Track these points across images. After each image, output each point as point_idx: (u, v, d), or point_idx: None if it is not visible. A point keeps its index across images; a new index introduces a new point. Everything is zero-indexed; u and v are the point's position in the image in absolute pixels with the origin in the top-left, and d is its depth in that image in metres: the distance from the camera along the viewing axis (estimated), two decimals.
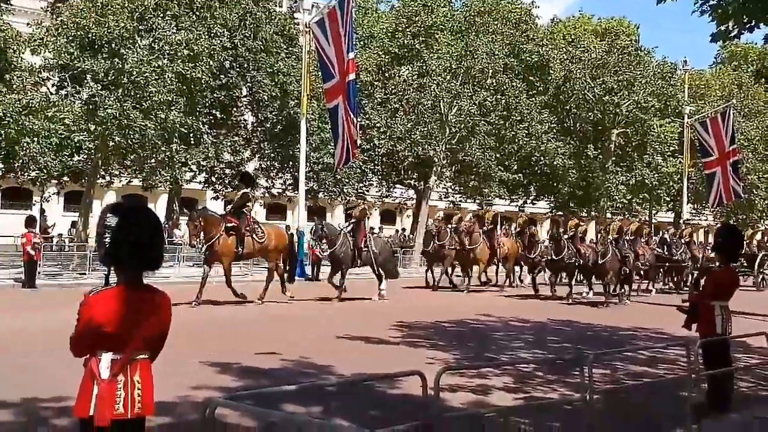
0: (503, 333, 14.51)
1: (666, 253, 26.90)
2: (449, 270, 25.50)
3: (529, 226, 25.63)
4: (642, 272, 25.34)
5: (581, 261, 21.77)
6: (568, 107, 45.12)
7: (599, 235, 21.84)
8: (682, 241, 27.99)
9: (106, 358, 3.92)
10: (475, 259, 24.77)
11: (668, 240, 27.91)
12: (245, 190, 19.24)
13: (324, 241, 19.82)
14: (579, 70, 43.79)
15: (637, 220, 30.96)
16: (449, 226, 25.68)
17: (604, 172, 45.07)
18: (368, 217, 23.05)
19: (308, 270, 28.11)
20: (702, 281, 9.09)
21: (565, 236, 22.87)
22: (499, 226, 24.71)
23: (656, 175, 46.46)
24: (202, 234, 17.73)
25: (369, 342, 12.50)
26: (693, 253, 27.72)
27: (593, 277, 22.60)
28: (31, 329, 12.84)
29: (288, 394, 5.90)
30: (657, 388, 8.62)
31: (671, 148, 46.92)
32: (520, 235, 25.72)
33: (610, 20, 55.51)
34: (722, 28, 9.39)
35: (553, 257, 22.08)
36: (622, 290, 23.12)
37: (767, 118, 53.21)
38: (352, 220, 21.13)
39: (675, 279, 28.22)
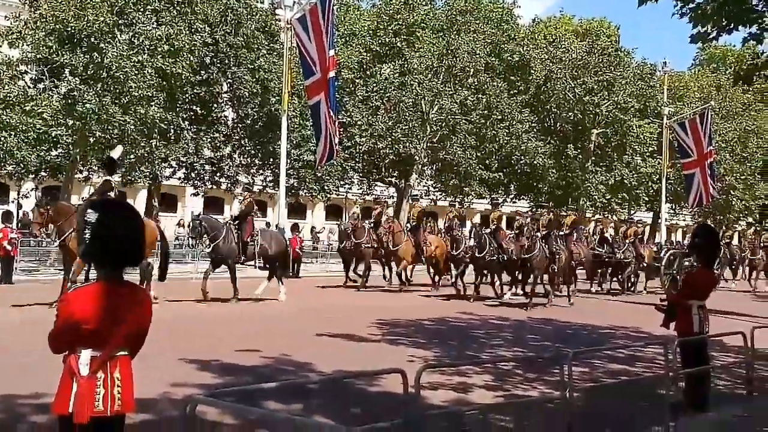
0: (483, 331, 14.56)
1: (607, 251, 25.29)
2: (364, 269, 23.69)
3: (453, 221, 23.02)
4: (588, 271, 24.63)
5: (505, 257, 20.16)
6: (548, 107, 45.39)
7: (525, 229, 19.78)
8: (627, 240, 26.62)
9: (86, 354, 3.89)
10: (398, 259, 23.10)
11: (609, 238, 26.45)
12: (107, 178, 17.03)
13: (205, 237, 18.09)
14: (559, 70, 44.05)
15: (574, 215, 29.57)
16: (368, 222, 24.20)
17: (583, 172, 45.36)
18: (256, 210, 21.10)
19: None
20: (680, 281, 9.12)
21: (487, 231, 21.51)
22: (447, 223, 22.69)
23: (635, 175, 46.86)
24: (51, 225, 15.85)
25: (350, 339, 12.49)
26: (638, 252, 26.32)
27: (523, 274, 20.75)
28: (6, 325, 12.70)
29: (268, 392, 5.89)
30: (635, 387, 8.70)
31: (650, 149, 47.34)
32: (448, 232, 23.18)
33: (590, 21, 55.94)
34: (701, 30, 9.48)
35: (476, 254, 20.65)
36: (558, 289, 21.46)
37: (745, 119, 53.81)
38: (238, 213, 19.59)
39: (619, 279, 26.48)
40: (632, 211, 53.09)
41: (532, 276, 20.03)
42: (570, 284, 21.88)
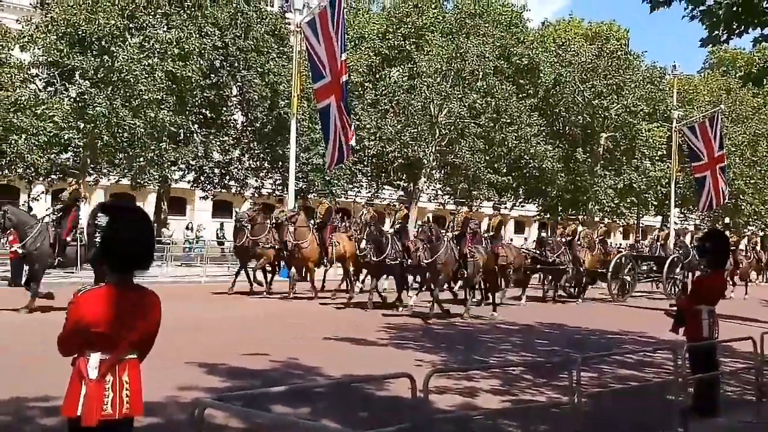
0: (491, 336, 14.53)
1: (541, 254, 22.86)
2: (259, 270, 21.02)
3: (405, 223, 20.36)
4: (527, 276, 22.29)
5: (409, 261, 17.38)
6: (557, 110, 45.31)
7: (422, 226, 17.84)
8: (562, 240, 23.60)
9: (95, 357, 3.89)
10: (302, 259, 19.75)
11: (545, 240, 24.10)
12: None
13: (11, 236, 15.28)
14: (569, 74, 43.99)
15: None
16: (271, 219, 20.65)
17: (592, 176, 45.25)
18: (84, 200, 18.35)
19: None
20: (689, 285, 9.08)
21: (391, 230, 19.16)
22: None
23: (644, 179, 46.71)
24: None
25: (357, 343, 12.49)
26: (575, 255, 23.28)
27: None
28: (13, 327, 12.75)
29: (276, 395, 5.90)
30: (644, 392, 8.67)
31: (659, 153, 47.19)
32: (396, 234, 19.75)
33: (600, 24, 55.76)
34: (712, 33, 9.45)
35: (372, 257, 18.00)
36: (479, 297, 19.38)
37: (755, 123, 53.58)
38: (59, 205, 16.53)
39: (554, 284, 23.82)
40: (641, 216, 53.02)
41: (434, 281, 17.06)
42: (497, 290, 18.99)
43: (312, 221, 21.12)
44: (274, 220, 20.35)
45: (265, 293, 20.25)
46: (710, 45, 9.87)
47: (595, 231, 27.82)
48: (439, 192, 44.62)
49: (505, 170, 42.36)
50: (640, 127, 45.82)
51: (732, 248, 26.93)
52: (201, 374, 9.21)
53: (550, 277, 23.81)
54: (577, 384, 5.93)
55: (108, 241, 4.02)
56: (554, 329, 15.98)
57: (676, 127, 42.75)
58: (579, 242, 24.28)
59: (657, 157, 47.35)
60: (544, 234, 27.54)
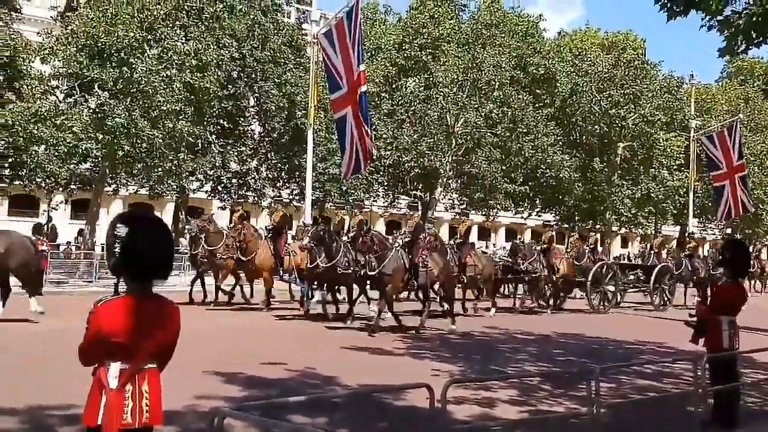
0: (509, 345, 14.48)
1: (514, 263, 21.59)
2: (220, 282, 19.56)
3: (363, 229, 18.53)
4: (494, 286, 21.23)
5: (358, 270, 16.46)
6: (574, 120, 45.21)
7: (355, 230, 16.81)
8: (536, 248, 22.54)
9: (115, 367, 3.91)
10: (256, 270, 18.92)
11: (518, 247, 22.55)
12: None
13: None
14: (585, 83, 43.93)
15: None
16: (229, 227, 19.81)
17: (609, 186, 45.08)
18: None
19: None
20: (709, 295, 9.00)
21: (345, 237, 18.14)
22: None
23: (662, 188, 46.45)
24: None
25: (374, 353, 12.48)
26: (549, 263, 21.98)
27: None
28: (34, 335, 12.84)
29: (294, 405, 5.91)
30: (663, 403, 8.60)
31: (677, 162, 46.92)
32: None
33: (616, 34, 55.58)
34: (731, 43, 9.41)
35: (311, 266, 17.10)
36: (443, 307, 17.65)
37: None
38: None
39: (530, 293, 22.68)
40: (659, 225, 52.68)
41: (381, 292, 16.05)
42: (452, 300, 17.22)
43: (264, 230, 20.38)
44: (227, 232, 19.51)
45: (244, 303, 19.63)
46: (728, 54, 9.83)
47: (589, 239, 27.26)
48: (456, 202, 44.60)
49: (521, 180, 42.30)
50: (658, 136, 45.63)
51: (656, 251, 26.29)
52: (219, 383, 9.24)
53: (522, 286, 22.81)
54: (596, 394, 5.90)
55: (127, 251, 4.05)
56: (571, 339, 15.90)
57: (694, 137, 42.50)
58: (568, 251, 24.18)
59: (675, 167, 47.09)
60: (517, 241, 26.17)
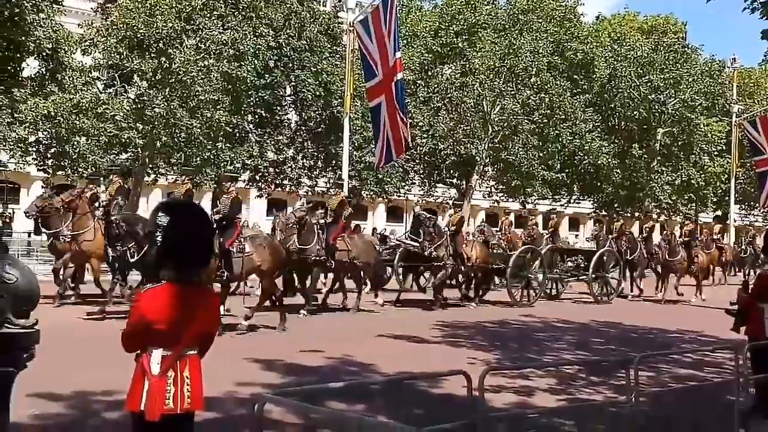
0: (546, 334, 14.42)
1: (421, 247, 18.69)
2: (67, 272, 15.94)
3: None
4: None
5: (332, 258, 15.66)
6: (612, 106, 44.60)
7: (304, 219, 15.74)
8: (446, 231, 19.12)
9: (157, 354, 4.00)
10: (83, 253, 15.21)
11: (425, 227, 18.81)
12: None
13: None
14: (624, 69, 43.29)
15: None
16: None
17: (648, 172, 44.46)
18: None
19: None
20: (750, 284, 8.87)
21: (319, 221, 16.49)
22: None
23: (703, 175, 45.71)
24: None
25: (411, 341, 12.53)
26: (455, 249, 18.80)
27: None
28: (80, 321, 13.10)
29: (332, 392, 5.97)
30: (703, 392, 8.52)
31: (718, 148, 46.08)
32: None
33: (656, 17, 54.69)
34: None
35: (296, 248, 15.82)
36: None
37: None
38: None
39: (433, 281, 19.51)
40: (699, 213, 51.88)
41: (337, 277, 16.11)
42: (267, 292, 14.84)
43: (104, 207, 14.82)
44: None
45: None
46: None
47: (551, 223, 24.82)
48: (493, 189, 44.36)
49: (559, 167, 41.89)
50: (699, 121, 44.83)
51: (686, 239, 23.02)
52: (258, 370, 9.36)
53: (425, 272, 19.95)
54: (635, 383, 5.86)
55: (168, 239, 4.13)
56: (610, 328, 15.78)
57: (736, 122, 41.74)
58: (506, 233, 22.33)
59: (716, 153, 46.26)
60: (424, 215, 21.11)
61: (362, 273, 17.58)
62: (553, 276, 22.09)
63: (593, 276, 21.51)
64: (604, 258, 22.24)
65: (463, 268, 19.10)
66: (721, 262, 29.16)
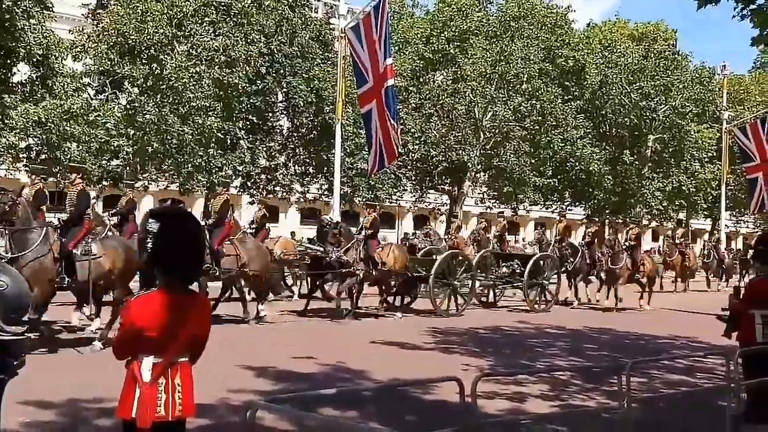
0: (539, 340, 14.42)
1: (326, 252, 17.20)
2: None
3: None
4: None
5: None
6: (603, 112, 44.81)
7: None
8: (359, 236, 17.15)
9: (148, 361, 3.98)
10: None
11: (327, 231, 17.02)
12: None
13: None
14: (615, 75, 43.52)
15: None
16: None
17: (640, 179, 44.67)
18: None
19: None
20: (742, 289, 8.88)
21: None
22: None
23: (693, 181, 45.94)
24: None
25: (404, 348, 12.51)
26: (367, 253, 16.82)
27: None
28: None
29: (325, 398, 5.95)
30: (695, 398, 8.53)
31: (709, 154, 46.35)
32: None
33: (647, 25, 54.90)
34: (764, 32, 9.28)
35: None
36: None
37: None
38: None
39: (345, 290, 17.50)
40: (691, 219, 52.08)
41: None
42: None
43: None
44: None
45: None
46: (761, 44, 9.70)
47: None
48: (485, 195, 44.45)
49: (550, 173, 42.07)
50: (689, 128, 45.10)
51: (631, 243, 21.54)
52: (250, 377, 9.32)
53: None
54: (626, 389, 5.87)
55: (158, 246, 4.11)
56: (603, 334, 15.79)
57: (726, 128, 41.96)
58: (452, 237, 21.28)
59: (706, 159, 46.53)
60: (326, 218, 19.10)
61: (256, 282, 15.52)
62: (486, 283, 20.61)
63: (529, 282, 19.76)
64: (542, 263, 20.56)
65: (374, 273, 16.89)
66: (684, 267, 28.39)
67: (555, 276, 21.05)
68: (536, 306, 19.95)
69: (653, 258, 24.54)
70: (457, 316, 17.65)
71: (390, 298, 18.87)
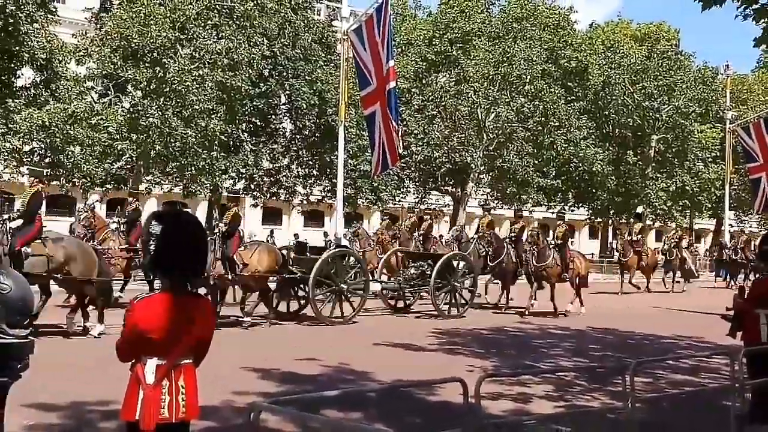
0: (543, 341, 14.40)
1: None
2: None
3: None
4: None
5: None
6: (606, 113, 44.79)
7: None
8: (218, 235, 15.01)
9: (151, 363, 3.98)
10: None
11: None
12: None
13: None
14: (618, 76, 43.51)
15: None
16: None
17: (643, 179, 44.62)
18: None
19: None
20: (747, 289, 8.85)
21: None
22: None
23: (697, 181, 45.87)
24: None
25: (407, 349, 12.49)
26: (228, 256, 14.50)
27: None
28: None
29: (329, 400, 5.95)
30: (700, 398, 8.51)
31: (712, 154, 46.28)
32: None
33: (649, 25, 54.88)
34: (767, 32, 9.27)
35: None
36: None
37: None
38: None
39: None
40: (695, 219, 52.01)
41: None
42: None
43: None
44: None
45: None
46: (764, 44, 9.68)
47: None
48: (488, 197, 44.44)
49: (553, 174, 42.05)
50: (693, 128, 45.08)
51: (559, 241, 19.56)
52: (254, 379, 9.32)
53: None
54: (631, 389, 5.85)
55: (161, 248, 4.11)
56: (607, 334, 15.76)
57: (729, 128, 41.88)
58: (379, 237, 19.55)
59: (710, 159, 46.47)
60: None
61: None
62: (390, 286, 18.42)
63: (436, 284, 17.26)
64: (455, 263, 18.15)
65: (230, 276, 14.56)
66: (640, 267, 27.25)
67: (471, 278, 18.59)
68: (448, 311, 17.43)
69: (585, 256, 22.34)
70: (345, 323, 15.63)
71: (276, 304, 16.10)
